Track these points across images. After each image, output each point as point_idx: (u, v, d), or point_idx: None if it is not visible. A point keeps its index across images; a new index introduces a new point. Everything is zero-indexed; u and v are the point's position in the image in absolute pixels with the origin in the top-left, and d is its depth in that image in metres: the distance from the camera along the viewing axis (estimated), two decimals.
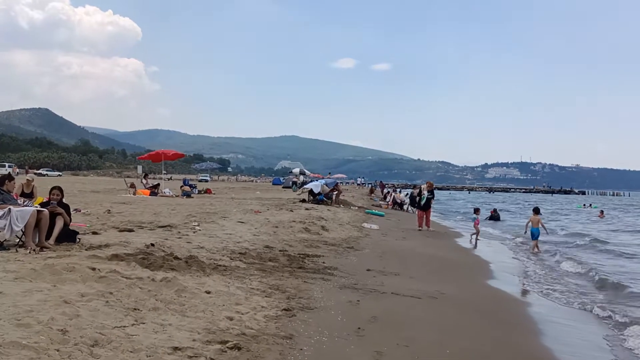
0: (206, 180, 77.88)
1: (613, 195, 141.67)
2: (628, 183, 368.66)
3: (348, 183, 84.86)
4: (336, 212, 18.38)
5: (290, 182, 52.77)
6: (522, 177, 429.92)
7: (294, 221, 12.76)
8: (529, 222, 14.40)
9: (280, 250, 9.07)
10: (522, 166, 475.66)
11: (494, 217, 27.23)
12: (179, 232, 9.89)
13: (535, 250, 13.66)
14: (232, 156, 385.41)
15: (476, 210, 16.35)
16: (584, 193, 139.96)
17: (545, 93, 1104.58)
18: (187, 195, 23.85)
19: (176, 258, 6.78)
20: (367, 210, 22.80)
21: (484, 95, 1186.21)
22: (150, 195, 23.45)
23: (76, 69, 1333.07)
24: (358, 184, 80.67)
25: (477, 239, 15.40)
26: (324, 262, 8.49)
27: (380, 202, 33.79)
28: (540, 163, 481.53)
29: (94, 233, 9.03)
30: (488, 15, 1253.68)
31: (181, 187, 26.93)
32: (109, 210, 13.04)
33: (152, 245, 7.90)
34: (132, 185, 24.03)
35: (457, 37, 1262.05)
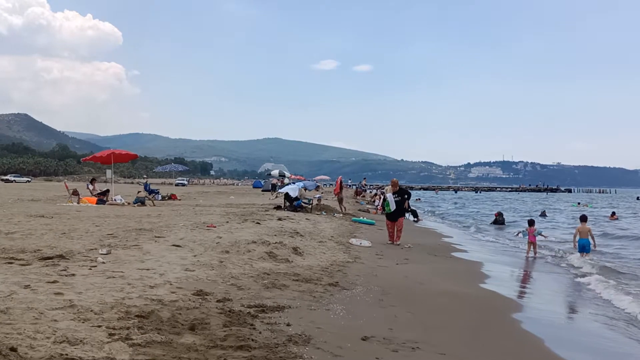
0: (183, 185, 73.55)
1: (599, 192, 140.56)
2: (609, 180, 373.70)
3: (332, 185, 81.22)
4: (317, 223, 14.86)
5: (270, 185, 49.66)
6: (504, 176, 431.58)
7: (255, 242, 9.16)
8: (576, 233, 11.74)
9: (218, 301, 5.53)
10: (505, 165, 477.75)
11: (498, 221, 23.77)
12: (65, 269, 6.32)
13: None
14: (215, 159, 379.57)
15: (531, 222, 13.28)
16: (570, 191, 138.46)
17: (525, 92, 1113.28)
18: (141, 202, 20.14)
19: None
20: (353, 218, 19.30)
21: (465, 95, 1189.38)
22: (97, 203, 19.78)
23: (56, 73, 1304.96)
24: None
25: (534, 256, 12.52)
26: (288, 324, 4.95)
27: (368, 206, 30.36)
28: (522, 162, 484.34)
29: None
30: (466, 16, 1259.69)
31: (138, 192, 23.21)
32: None
33: None
34: (75, 192, 20.23)
35: (437, 37, 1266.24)
